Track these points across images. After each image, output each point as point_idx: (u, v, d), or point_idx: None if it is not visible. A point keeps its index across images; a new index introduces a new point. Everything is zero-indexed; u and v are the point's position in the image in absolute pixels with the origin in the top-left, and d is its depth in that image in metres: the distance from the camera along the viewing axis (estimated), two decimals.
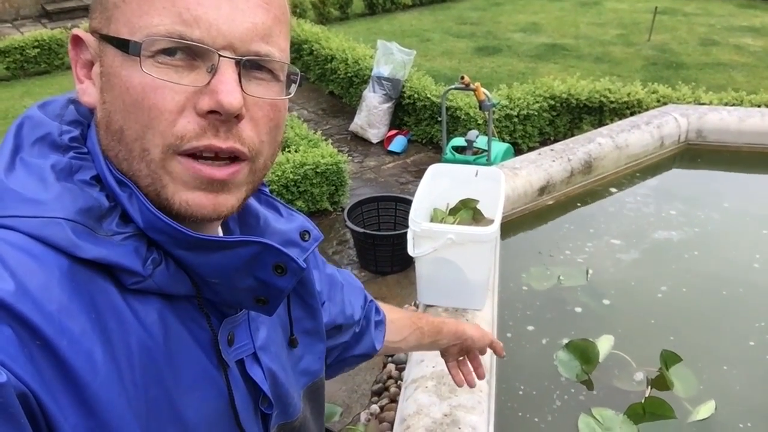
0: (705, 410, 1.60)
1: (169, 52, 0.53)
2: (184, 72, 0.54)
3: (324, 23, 7.80)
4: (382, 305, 1.10)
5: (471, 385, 1.21)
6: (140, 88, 0.53)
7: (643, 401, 1.64)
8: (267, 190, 0.76)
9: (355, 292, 1.01)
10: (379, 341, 1.04)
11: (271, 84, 0.59)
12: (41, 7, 8.70)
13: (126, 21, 0.54)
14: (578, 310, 2.01)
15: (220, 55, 0.54)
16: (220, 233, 0.69)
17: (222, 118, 0.54)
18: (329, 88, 6.07)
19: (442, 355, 1.20)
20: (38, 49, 6.66)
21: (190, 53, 0.54)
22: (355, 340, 0.99)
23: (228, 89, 0.53)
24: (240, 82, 0.55)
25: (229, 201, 0.58)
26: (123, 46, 0.54)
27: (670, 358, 1.75)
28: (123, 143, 0.56)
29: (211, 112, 0.54)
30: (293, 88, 0.61)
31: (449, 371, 1.20)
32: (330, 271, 0.96)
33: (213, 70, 0.54)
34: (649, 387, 1.70)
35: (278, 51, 0.58)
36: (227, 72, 0.54)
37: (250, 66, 0.57)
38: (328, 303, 0.92)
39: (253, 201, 0.73)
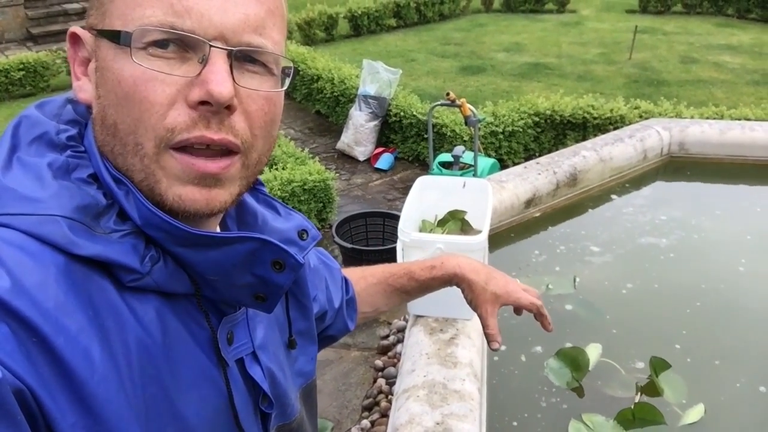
0: (694, 414, 1.61)
1: (161, 44, 0.54)
2: (176, 64, 0.54)
3: (310, 44, 7.85)
4: (351, 273, 1.08)
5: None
6: (131, 81, 0.54)
7: (632, 407, 1.65)
8: (265, 189, 0.75)
9: (335, 276, 1.00)
10: (351, 320, 1.02)
11: (264, 77, 0.59)
12: (26, 30, 8.68)
13: (120, 14, 0.55)
14: (567, 317, 2.02)
15: (211, 46, 0.54)
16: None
17: (213, 109, 0.54)
18: (316, 107, 6.10)
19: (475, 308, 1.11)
20: (23, 72, 6.61)
21: (182, 45, 0.54)
22: (332, 321, 0.98)
23: (218, 79, 0.53)
24: (232, 73, 0.55)
25: (221, 196, 0.58)
26: (115, 37, 0.54)
27: (659, 365, 1.76)
28: (117, 138, 0.56)
29: (202, 103, 0.54)
30: (288, 81, 0.61)
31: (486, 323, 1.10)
32: (314, 261, 0.95)
33: (204, 61, 0.54)
34: (639, 393, 1.71)
35: (271, 43, 0.58)
36: (218, 62, 0.54)
37: (243, 58, 0.57)
38: (318, 294, 0.92)
39: (251, 200, 0.72)
